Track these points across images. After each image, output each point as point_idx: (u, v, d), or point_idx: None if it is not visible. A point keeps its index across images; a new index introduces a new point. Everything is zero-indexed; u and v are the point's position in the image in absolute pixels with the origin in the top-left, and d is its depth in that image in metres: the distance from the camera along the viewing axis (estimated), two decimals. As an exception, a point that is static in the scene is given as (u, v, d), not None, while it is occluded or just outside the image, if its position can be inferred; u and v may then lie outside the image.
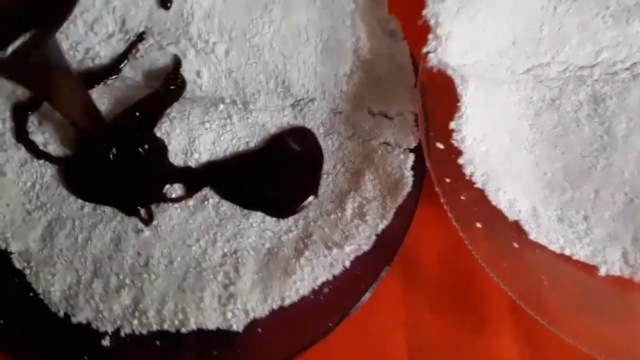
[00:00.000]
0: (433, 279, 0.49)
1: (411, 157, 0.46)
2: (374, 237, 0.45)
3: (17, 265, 0.45)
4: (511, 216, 0.43)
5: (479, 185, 0.42)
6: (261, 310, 0.43)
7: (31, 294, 0.44)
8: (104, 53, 0.49)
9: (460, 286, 0.48)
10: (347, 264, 0.44)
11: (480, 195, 0.42)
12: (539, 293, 0.40)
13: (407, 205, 0.45)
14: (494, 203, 0.42)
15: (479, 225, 0.42)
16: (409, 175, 0.46)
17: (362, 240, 0.44)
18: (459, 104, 0.42)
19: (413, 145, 0.47)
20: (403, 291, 0.48)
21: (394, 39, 0.49)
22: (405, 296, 0.48)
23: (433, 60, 0.44)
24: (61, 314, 0.43)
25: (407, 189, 0.45)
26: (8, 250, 0.45)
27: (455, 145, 0.42)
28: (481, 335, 0.47)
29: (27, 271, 0.44)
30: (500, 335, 0.47)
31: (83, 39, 0.48)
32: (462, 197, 0.42)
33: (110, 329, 0.42)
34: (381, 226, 0.45)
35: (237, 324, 0.42)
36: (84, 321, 0.42)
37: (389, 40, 0.49)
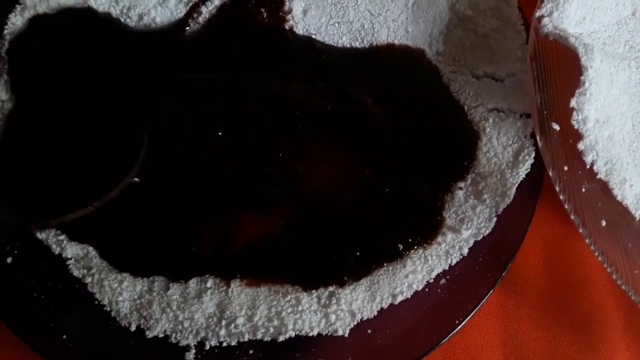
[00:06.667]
0: (534, 288, 0.44)
1: (530, 122, 0.43)
2: (494, 219, 0.41)
3: (75, 273, 0.39)
4: (639, 214, 0.39)
5: (601, 176, 0.38)
6: (369, 310, 0.38)
7: (96, 306, 0.38)
8: (160, 19, 0.45)
9: (567, 297, 0.43)
10: (465, 251, 0.40)
11: (602, 188, 0.38)
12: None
13: (530, 179, 0.41)
14: (619, 198, 0.38)
15: (603, 223, 0.38)
16: (529, 144, 0.42)
17: (480, 223, 0.41)
18: (581, 77, 0.38)
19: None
20: (500, 302, 0.43)
21: (498, -11, 0.47)
22: (502, 307, 0.43)
23: (547, 26, 0.40)
24: (133, 327, 0.38)
25: (530, 160, 0.42)
26: (63, 256, 0.40)
27: (575, 126, 0.38)
28: (591, 355, 0.42)
29: (88, 279, 0.39)
30: (614, 356, 0.42)
31: (135, 3, 0.45)
32: (583, 189, 0.38)
33: (193, 342, 0.37)
34: (502, 205, 0.41)
35: (343, 328, 0.37)
36: (160, 334, 0.37)
37: (493, -9, 0.47)
